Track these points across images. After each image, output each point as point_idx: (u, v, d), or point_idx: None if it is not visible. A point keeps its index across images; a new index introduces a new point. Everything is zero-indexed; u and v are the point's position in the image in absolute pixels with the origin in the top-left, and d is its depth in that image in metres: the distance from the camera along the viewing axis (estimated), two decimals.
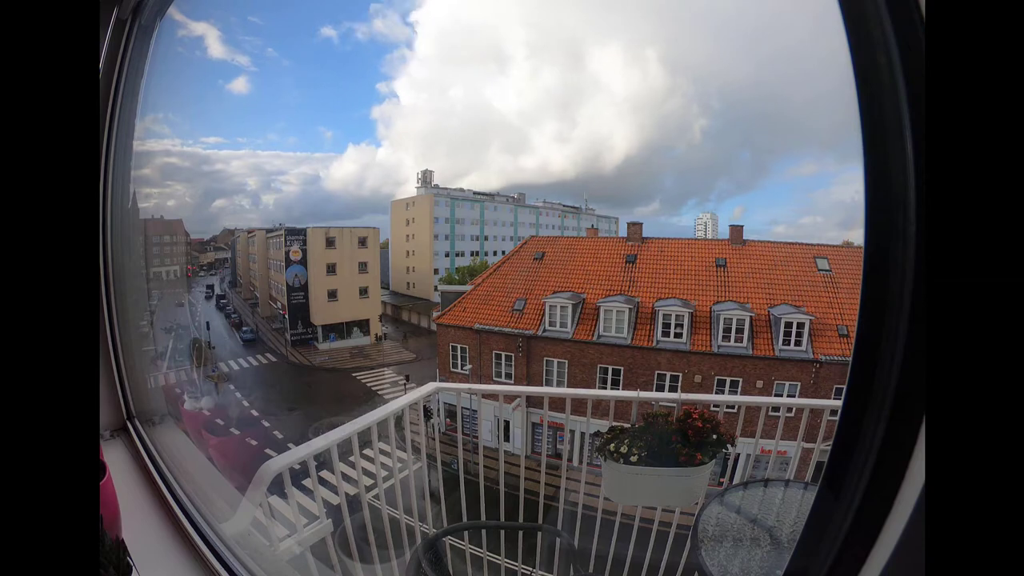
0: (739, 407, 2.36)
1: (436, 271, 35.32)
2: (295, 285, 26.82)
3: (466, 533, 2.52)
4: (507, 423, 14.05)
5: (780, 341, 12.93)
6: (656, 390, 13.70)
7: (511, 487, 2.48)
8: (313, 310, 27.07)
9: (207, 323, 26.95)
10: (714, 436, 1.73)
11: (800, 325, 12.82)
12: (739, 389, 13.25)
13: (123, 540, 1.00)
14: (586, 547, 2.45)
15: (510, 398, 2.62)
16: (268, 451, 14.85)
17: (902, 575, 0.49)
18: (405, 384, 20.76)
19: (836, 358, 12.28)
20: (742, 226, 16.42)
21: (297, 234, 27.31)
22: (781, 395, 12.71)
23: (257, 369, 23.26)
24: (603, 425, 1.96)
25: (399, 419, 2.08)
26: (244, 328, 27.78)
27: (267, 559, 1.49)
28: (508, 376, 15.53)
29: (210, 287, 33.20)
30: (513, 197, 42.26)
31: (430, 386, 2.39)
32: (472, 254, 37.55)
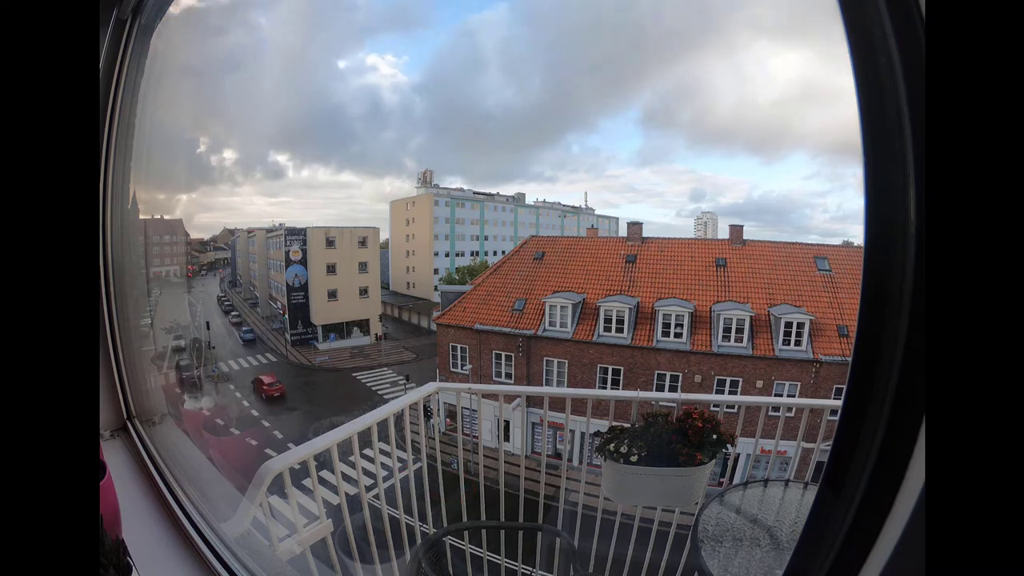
0: (739, 407, 2.36)
1: (436, 271, 35.33)
2: (295, 285, 26.84)
3: (466, 533, 2.52)
4: (507, 423, 14.04)
5: (780, 341, 12.93)
6: (656, 390, 13.70)
7: (511, 487, 2.48)
8: (313, 310, 27.07)
9: (207, 323, 26.94)
10: (714, 436, 1.73)
11: (800, 325, 12.82)
12: (739, 389, 13.25)
13: (123, 540, 1.00)
14: (586, 547, 2.45)
15: (510, 398, 2.62)
16: (268, 451, 14.87)
17: (902, 575, 0.49)
18: (405, 384, 20.75)
19: (836, 358, 12.28)
20: (742, 226, 16.44)
21: (297, 234, 27.34)
22: (781, 395, 12.71)
23: (257, 369, 23.26)
24: (603, 425, 1.96)
25: (399, 419, 2.08)
26: (244, 328, 27.79)
27: (267, 559, 1.49)
28: (508, 376, 15.53)
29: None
30: (513, 197, 42.26)
31: (430, 386, 2.39)
32: (472, 254, 37.56)
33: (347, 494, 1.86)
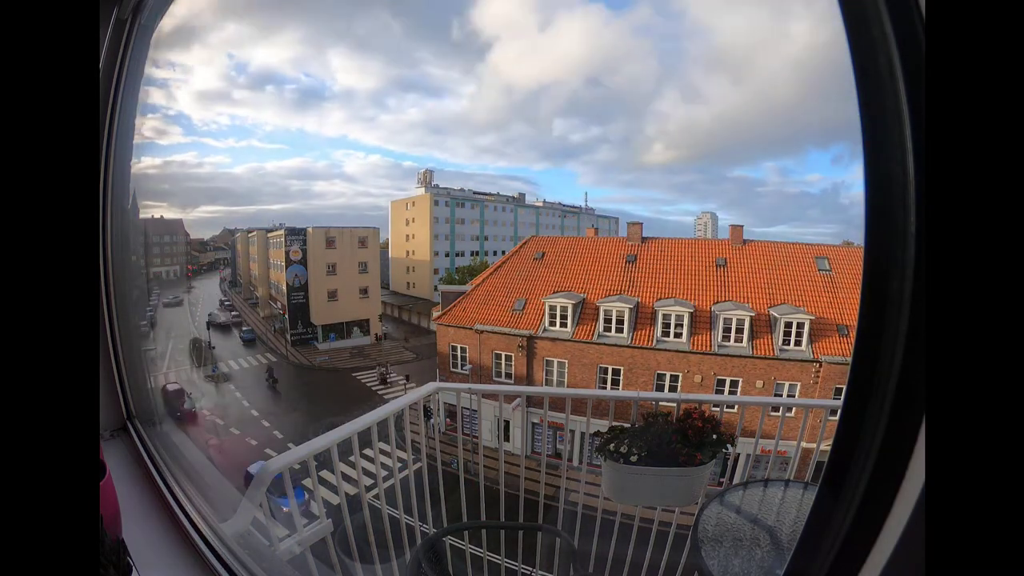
0: (739, 407, 2.36)
1: (436, 271, 35.33)
2: (295, 285, 26.84)
3: (466, 533, 2.52)
4: (507, 423, 14.05)
5: (780, 341, 12.93)
6: (656, 390, 13.69)
7: (511, 487, 2.48)
8: (313, 310, 27.08)
9: (207, 323, 26.96)
10: (714, 436, 1.73)
11: (800, 325, 12.81)
12: (739, 389, 13.24)
13: (123, 540, 1.00)
14: (586, 547, 2.45)
15: (510, 398, 2.62)
16: (268, 451, 14.88)
17: (902, 575, 0.49)
18: (405, 384, 20.76)
19: (836, 358, 12.27)
20: (742, 226, 16.42)
21: (297, 234, 27.35)
22: (781, 395, 12.71)
23: (257, 369, 23.26)
24: (603, 425, 1.96)
25: (399, 419, 2.08)
26: (244, 328, 27.80)
27: (267, 559, 1.49)
28: (508, 376, 15.52)
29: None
30: (513, 197, 42.25)
31: (430, 386, 2.39)
32: (472, 254, 37.56)
33: (347, 494, 1.85)
